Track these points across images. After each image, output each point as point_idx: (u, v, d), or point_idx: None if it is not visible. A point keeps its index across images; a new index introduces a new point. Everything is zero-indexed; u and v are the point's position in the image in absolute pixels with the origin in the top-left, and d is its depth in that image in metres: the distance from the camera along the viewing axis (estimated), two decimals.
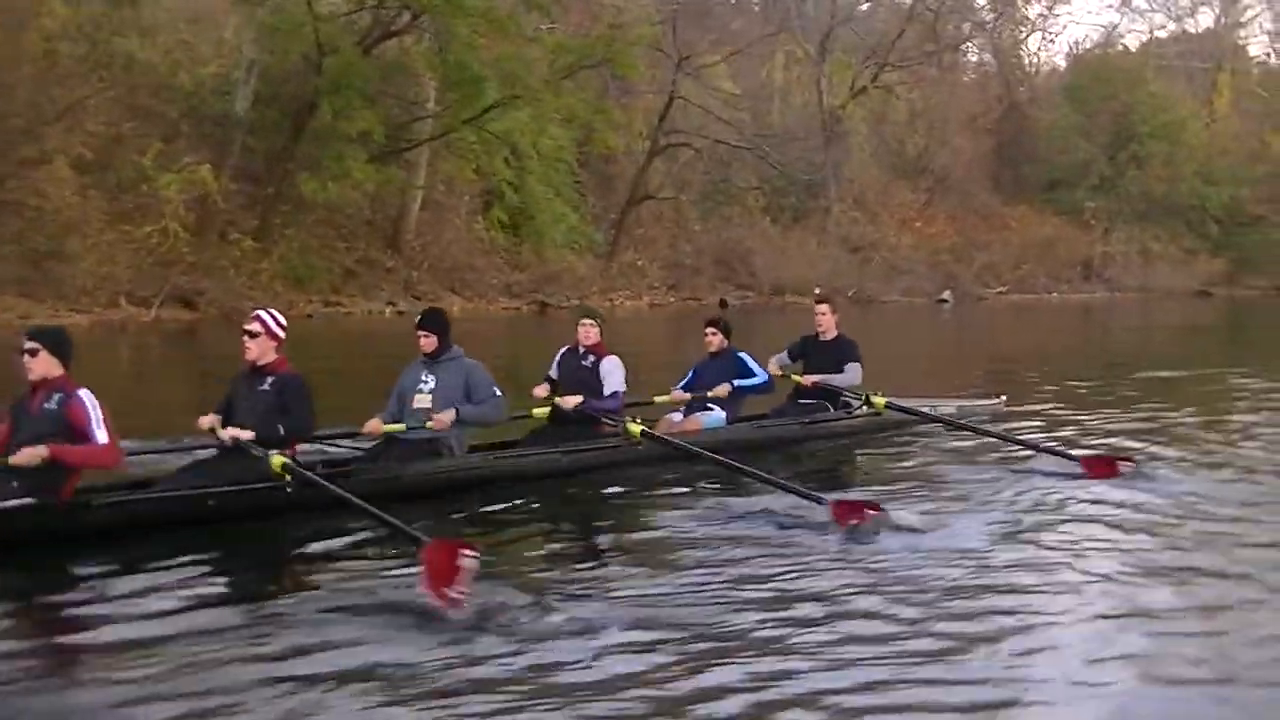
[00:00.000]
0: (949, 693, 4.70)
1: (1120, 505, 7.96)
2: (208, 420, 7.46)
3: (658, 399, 10.37)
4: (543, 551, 7.08)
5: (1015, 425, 11.23)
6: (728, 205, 48.04)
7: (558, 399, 9.37)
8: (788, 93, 53.90)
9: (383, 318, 33.31)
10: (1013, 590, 6.09)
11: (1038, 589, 6.11)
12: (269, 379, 7.44)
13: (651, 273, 44.44)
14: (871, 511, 7.20)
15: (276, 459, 7.05)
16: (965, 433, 10.39)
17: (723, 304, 43.11)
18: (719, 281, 45.44)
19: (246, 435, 7.21)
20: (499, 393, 8.38)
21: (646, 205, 45.16)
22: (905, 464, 9.84)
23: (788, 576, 6.24)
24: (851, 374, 10.74)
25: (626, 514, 8.13)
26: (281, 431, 7.24)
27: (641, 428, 8.95)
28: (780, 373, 10.83)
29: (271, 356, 7.48)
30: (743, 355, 10.39)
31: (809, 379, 10.76)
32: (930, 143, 57.93)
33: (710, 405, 10.19)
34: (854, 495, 7.75)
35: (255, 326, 7.44)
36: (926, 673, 4.91)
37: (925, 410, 10.89)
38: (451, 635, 5.18)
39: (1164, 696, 4.73)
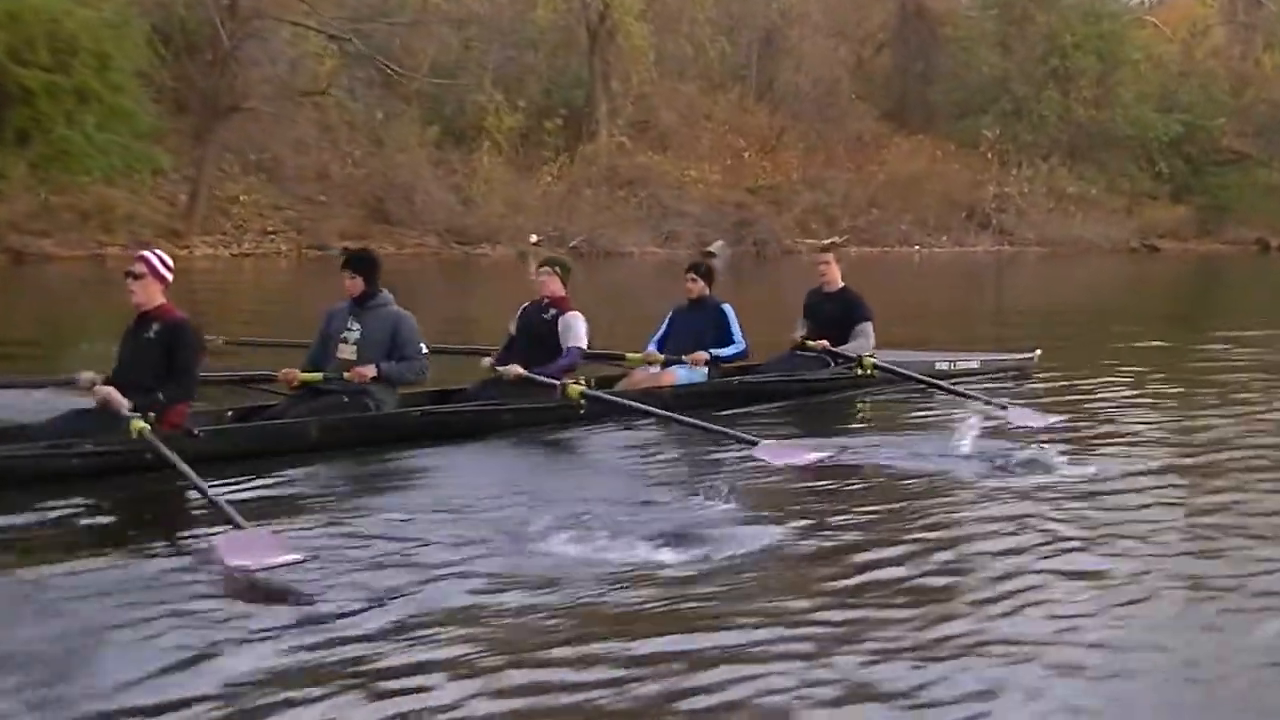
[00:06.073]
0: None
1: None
2: (88, 378, 7.06)
3: (630, 356, 9.80)
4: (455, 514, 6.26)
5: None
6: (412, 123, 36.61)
7: (500, 369, 8.71)
8: None
9: None
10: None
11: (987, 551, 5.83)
12: (154, 325, 7.06)
13: (270, 213, 33.25)
14: (810, 456, 7.38)
15: (135, 424, 6.60)
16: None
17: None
18: (376, 225, 34.03)
19: (120, 401, 6.78)
20: (425, 349, 8.03)
21: (280, 125, 33.93)
22: (893, 418, 9.59)
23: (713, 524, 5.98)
24: (863, 341, 10.28)
25: (559, 472, 7.64)
26: (161, 398, 6.89)
27: (581, 389, 8.45)
28: (801, 339, 10.30)
29: (159, 300, 7.12)
30: (725, 309, 9.80)
31: (825, 344, 10.23)
32: (769, 55, 45.69)
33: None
34: (790, 440, 7.85)
35: (139, 267, 7.09)
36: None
37: (915, 374, 10.39)
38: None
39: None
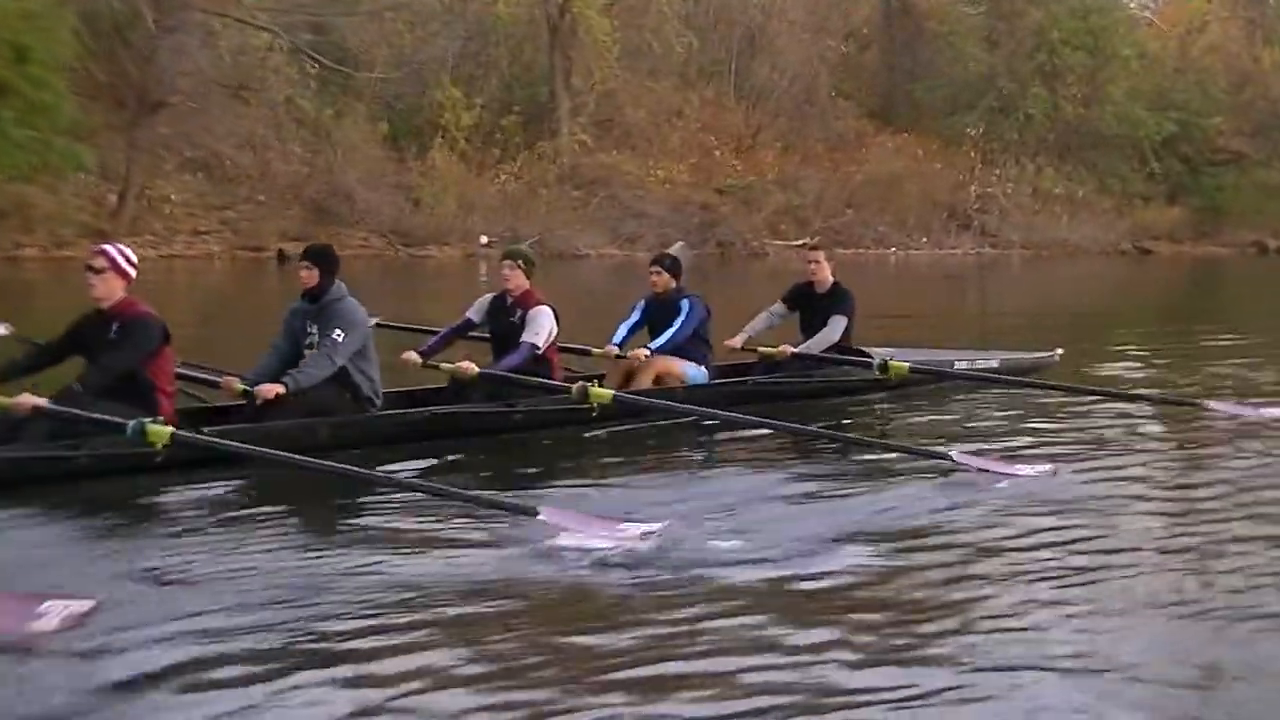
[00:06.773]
0: None
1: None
2: None
3: (595, 351, 9.39)
4: None
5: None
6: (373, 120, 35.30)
7: (454, 365, 8.13)
8: None
9: None
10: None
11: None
12: (114, 324, 6.73)
13: (204, 213, 31.85)
14: (1022, 469, 6.87)
15: (154, 430, 6.17)
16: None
17: (280, 256, 30.55)
18: (318, 225, 32.57)
19: (38, 402, 6.32)
20: (341, 335, 7.30)
21: (219, 121, 32.55)
22: (973, 417, 9.39)
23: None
24: (826, 334, 9.74)
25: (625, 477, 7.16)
26: (77, 387, 6.49)
27: (613, 393, 7.94)
28: (741, 346, 9.81)
29: (119, 296, 6.80)
30: (682, 304, 9.25)
31: (787, 349, 9.70)
32: (749, 52, 44.20)
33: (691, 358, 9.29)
34: (981, 449, 7.35)
35: (99, 261, 6.75)
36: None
37: (953, 370, 10.19)
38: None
39: None
